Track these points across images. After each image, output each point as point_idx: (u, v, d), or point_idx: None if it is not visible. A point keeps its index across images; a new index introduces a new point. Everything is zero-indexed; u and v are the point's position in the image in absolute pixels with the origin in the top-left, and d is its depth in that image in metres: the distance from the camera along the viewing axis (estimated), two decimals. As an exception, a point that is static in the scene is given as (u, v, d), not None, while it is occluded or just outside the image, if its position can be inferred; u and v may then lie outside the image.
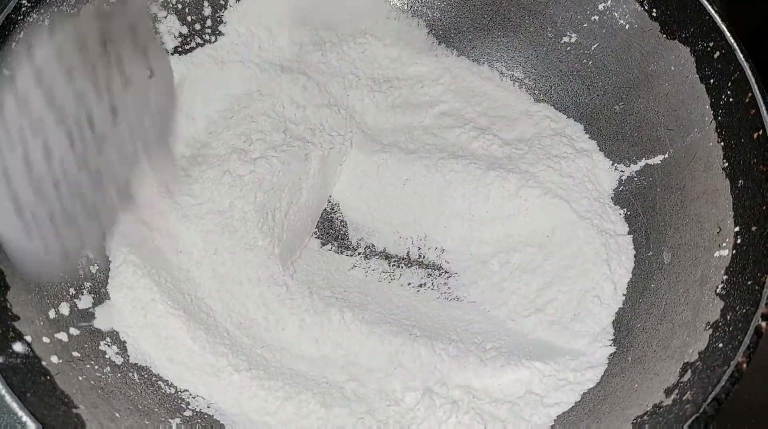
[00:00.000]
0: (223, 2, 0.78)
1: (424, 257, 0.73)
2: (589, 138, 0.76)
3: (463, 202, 0.72)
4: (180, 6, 0.76)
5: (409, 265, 0.73)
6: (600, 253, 0.67)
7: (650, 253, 0.67)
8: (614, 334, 0.64)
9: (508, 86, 0.81)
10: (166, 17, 0.75)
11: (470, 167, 0.72)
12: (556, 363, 0.62)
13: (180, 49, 0.77)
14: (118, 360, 0.60)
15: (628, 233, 0.70)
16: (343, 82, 0.78)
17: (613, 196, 0.73)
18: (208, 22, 0.78)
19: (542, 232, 0.70)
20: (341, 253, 0.74)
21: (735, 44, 0.62)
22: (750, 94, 0.59)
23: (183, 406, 0.60)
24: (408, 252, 0.73)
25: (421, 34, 0.83)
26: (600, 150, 0.75)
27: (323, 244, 0.74)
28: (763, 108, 0.58)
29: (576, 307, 0.66)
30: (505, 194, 0.71)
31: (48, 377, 0.53)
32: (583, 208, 0.70)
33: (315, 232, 0.75)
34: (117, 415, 0.55)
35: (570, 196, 0.71)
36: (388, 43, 0.81)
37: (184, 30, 0.77)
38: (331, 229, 0.75)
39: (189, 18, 0.77)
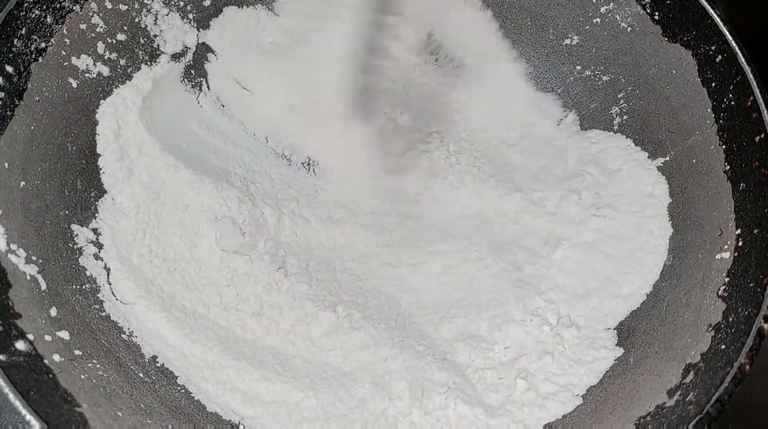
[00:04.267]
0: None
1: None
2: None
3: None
4: (182, 3, 0.76)
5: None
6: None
7: (652, 255, 0.67)
8: (617, 335, 0.65)
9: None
10: (168, 14, 0.75)
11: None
12: None
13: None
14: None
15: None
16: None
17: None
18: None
19: None
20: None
21: (737, 47, 0.62)
22: (752, 98, 0.60)
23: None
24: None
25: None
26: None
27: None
28: (765, 111, 0.59)
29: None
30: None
31: (50, 375, 0.52)
32: None
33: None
34: (119, 413, 0.55)
35: None
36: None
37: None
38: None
39: (190, 15, 0.77)
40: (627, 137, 0.74)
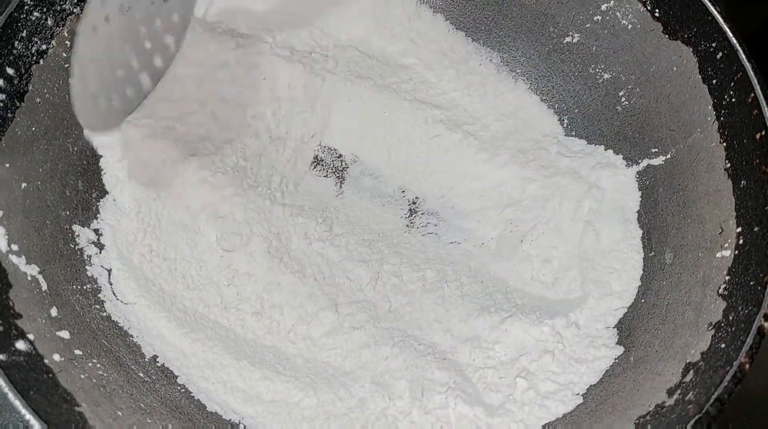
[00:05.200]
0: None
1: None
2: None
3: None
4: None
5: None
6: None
7: (652, 254, 0.67)
8: (618, 334, 0.64)
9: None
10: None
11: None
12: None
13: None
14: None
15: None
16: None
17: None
18: None
19: None
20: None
21: (737, 45, 0.62)
22: (752, 95, 0.59)
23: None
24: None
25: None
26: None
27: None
28: (766, 108, 0.58)
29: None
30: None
31: (50, 375, 0.52)
32: None
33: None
34: (119, 413, 0.55)
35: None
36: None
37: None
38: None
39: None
40: (609, 142, 0.75)
